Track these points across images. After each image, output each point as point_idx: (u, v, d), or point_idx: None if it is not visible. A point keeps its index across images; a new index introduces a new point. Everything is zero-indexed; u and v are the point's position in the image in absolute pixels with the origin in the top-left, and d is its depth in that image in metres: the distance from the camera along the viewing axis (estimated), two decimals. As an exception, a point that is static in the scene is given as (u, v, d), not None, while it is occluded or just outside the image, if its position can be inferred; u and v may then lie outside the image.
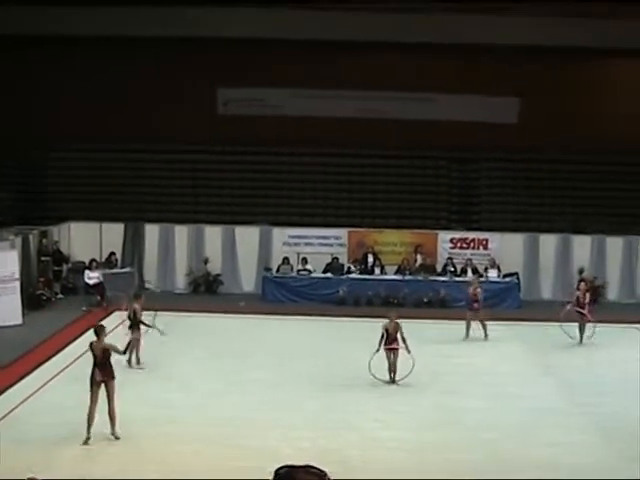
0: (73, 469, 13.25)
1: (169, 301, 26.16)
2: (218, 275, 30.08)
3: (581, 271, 28.82)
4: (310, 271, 29.34)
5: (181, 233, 30.51)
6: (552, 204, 32.19)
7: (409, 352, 18.67)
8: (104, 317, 25.26)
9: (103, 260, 29.48)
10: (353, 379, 19.28)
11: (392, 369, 19.10)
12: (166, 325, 21.36)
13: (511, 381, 19.54)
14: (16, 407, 16.69)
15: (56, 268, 29.13)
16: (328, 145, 32.16)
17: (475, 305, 23.90)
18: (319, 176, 32.76)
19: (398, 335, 19.01)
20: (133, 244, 30.70)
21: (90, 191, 31.82)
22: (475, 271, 28.81)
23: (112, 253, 29.77)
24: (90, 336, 22.64)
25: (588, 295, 23.97)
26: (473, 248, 30.41)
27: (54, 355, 20.86)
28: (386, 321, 19.23)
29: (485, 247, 30.38)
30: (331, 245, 30.59)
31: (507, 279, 29.14)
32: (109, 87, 32.00)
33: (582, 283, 24.45)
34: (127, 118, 31.67)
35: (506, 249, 30.13)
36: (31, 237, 27.83)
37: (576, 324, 23.25)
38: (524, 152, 32.16)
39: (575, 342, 23.04)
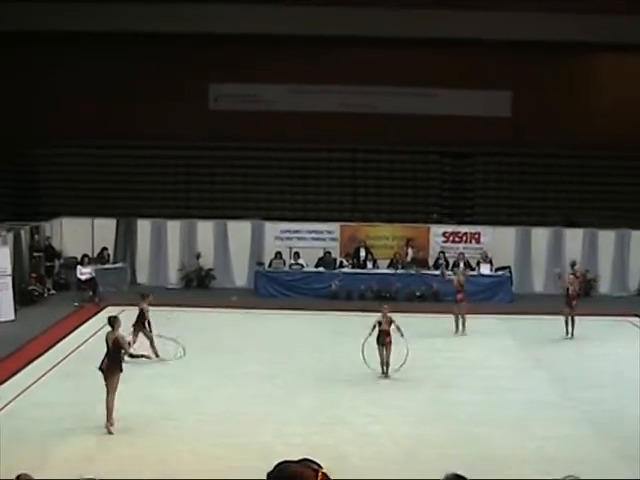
0: (67, 467, 13.23)
1: (161, 296, 26.10)
2: (210, 270, 30.07)
3: (573, 264, 28.81)
4: (302, 265, 29.36)
5: (173, 228, 30.49)
6: (544, 198, 32.26)
7: (402, 336, 18.66)
8: (96, 313, 25.31)
9: (95, 256, 29.45)
10: (346, 373, 19.33)
11: (385, 363, 19.11)
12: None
13: (503, 375, 19.57)
14: (8, 403, 16.67)
15: (48, 264, 29.11)
16: (320, 140, 32.15)
17: (459, 296, 23.73)
18: (311, 171, 32.78)
19: (391, 329, 19.02)
20: (125, 239, 30.67)
21: (82, 187, 31.78)
22: (467, 265, 28.88)
23: (104, 248, 29.75)
24: (83, 332, 22.93)
25: (576, 287, 23.89)
26: (465, 242, 30.44)
27: (46, 351, 20.83)
28: (379, 315, 19.23)
29: (477, 241, 30.41)
30: (323, 239, 30.59)
31: (499, 273, 29.19)
32: (100, 83, 31.94)
33: (571, 276, 24.38)
34: (119, 114, 31.63)
35: (498, 243, 30.16)
36: (23, 233, 27.72)
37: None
38: (517, 146, 32.18)
39: (568, 336, 23.01)
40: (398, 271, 28.98)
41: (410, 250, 29.80)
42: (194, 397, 17.33)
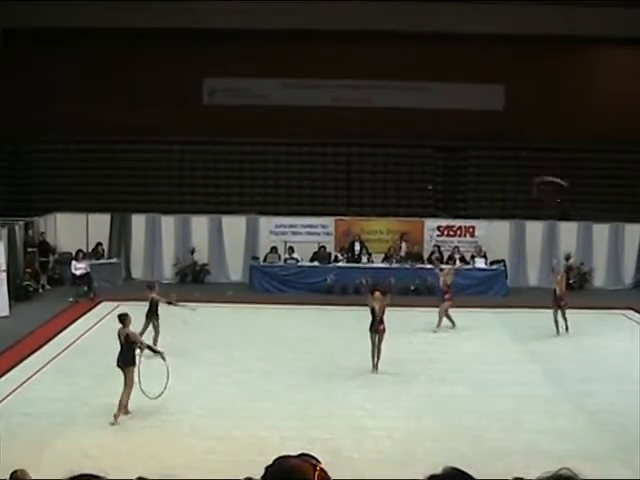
0: (62, 463, 13.22)
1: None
2: (205, 265, 30.08)
3: (568, 257, 28.88)
4: (297, 260, 29.39)
5: (168, 223, 30.50)
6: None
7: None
8: (91, 308, 25.33)
9: (90, 251, 29.43)
10: (341, 368, 19.35)
11: (376, 353, 19.02)
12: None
13: (498, 368, 19.57)
14: (4, 399, 16.65)
15: (42, 259, 29.09)
16: (313, 134, 32.16)
17: (446, 296, 23.44)
18: (306, 165, 32.79)
19: (385, 317, 18.99)
20: (120, 234, 30.68)
21: (76, 182, 31.73)
22: (462, 259, 28.97)
23: (99, 244, 29.75)
24: (78, 327, 22.94)
25: (564, 281, 23.76)
26: (460, 236, 30.49)
27: (41, 346, 20.81)
28: (371, 300, 19.16)
29: (472, 235, 30.47)
30: (318, 234, 30.63)
31: (494, 267, 29.25)
32: (94, 79, 31.88)
33: (557, 276, 23.96)
34: (113, 109, 31.57)
35: (493, 236, 30.22)
36: (17, 228, 27.70)
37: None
38: (510, 139, 32.17)
39: (559, 334, 22.81)
40: (393, 265, 29.00)
41: (404, 244, 29.83)
42: (189, 392, 17.31)
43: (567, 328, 22.92)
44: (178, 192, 32.66)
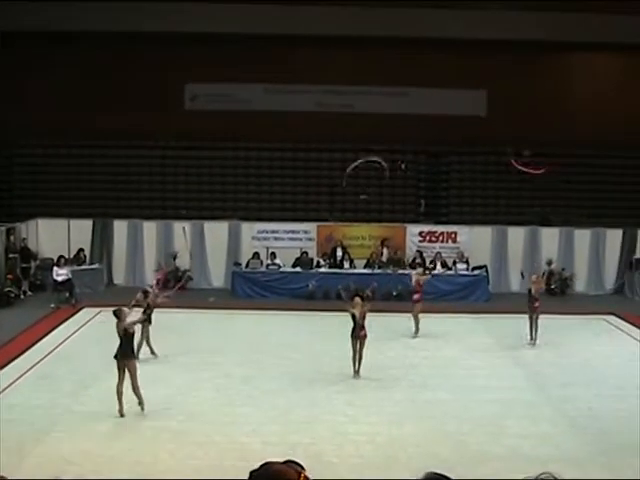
0: (43, 469, 13.15)
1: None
2: (187, 270, 30.02)
3: (549, 263, 29.02)
4: (279, 265, 29.38)
5: (149, 229, 30.45)
6: (520, 197, 32.36)
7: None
8: (73, 314, 25.24)
9: (71, 257, 29.34)
10: (323, 373, 19.34)
11: (357, 358, 19.00)
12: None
13: (480, 373, 19.62)
14: (-16, 406, 16.56)
15: (24, 265, 29.02)
16: (296, 140, 32.19)
17: (415, 296, 23.41)
18: (288, 171, 32.78)
19: (365, 322, 18.99)
20: (102, 240, 30.61)
21: (58, 187, 31.64)
22: (444, 265, 29.05)
23: (81, 249, 29.68)
24: (60, 333, 22.83)
25: (540, 287, 23.59)
26: (442, 241, 30.59)
27: (23, 353, 20.70)
28: (352, 309, 19.14)
29: (454, 240, 30.56)
30: (300, 239, 30.66)
31: (476, 272, 29.34)
32: (74, 83, 31.77)
33: (534, 275, 24.04)
34: (94, 114, 31.45)
35: (475, 242, 30.31)
36: (-2, 234, 27.64)
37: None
38: (492, 145, 32.25)
39: (531, 342, 22.37)
40: (375, 270, 29.02)
41: (385, 250, 29.87)
42: (171, 398, 17.27)
43: (535, 339, 22.41)
44: (160, 197, 32.59)
